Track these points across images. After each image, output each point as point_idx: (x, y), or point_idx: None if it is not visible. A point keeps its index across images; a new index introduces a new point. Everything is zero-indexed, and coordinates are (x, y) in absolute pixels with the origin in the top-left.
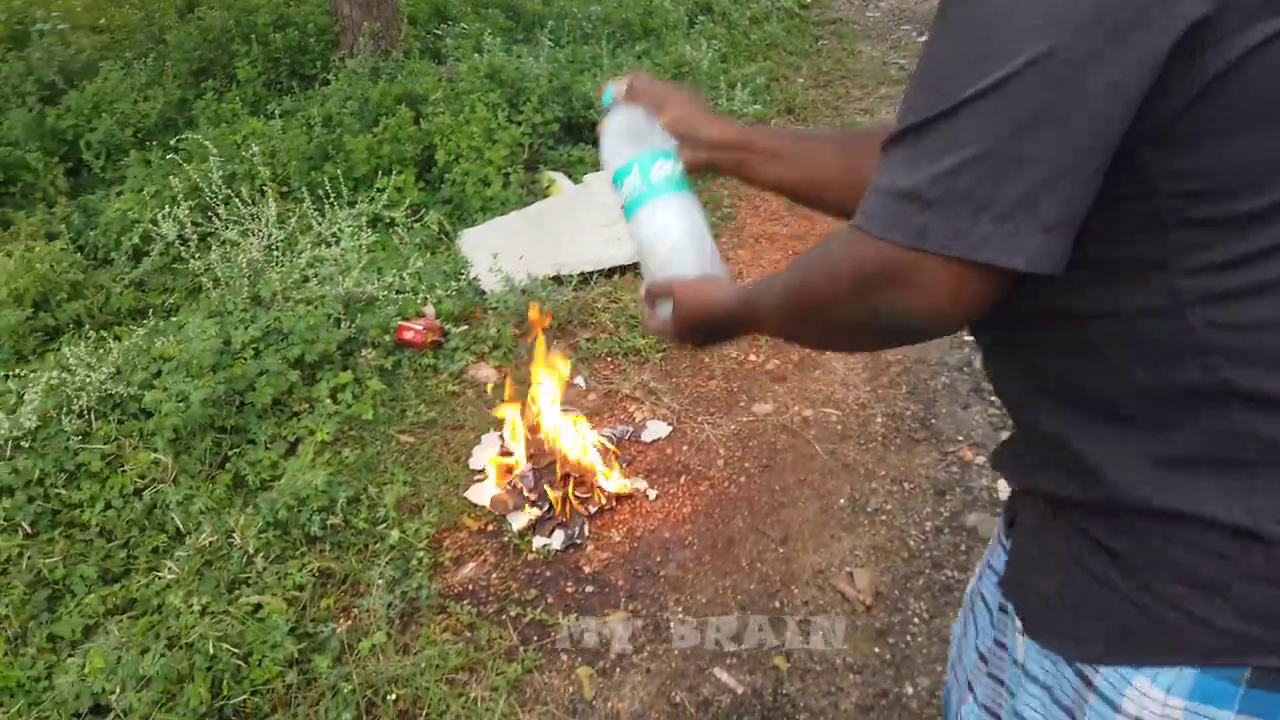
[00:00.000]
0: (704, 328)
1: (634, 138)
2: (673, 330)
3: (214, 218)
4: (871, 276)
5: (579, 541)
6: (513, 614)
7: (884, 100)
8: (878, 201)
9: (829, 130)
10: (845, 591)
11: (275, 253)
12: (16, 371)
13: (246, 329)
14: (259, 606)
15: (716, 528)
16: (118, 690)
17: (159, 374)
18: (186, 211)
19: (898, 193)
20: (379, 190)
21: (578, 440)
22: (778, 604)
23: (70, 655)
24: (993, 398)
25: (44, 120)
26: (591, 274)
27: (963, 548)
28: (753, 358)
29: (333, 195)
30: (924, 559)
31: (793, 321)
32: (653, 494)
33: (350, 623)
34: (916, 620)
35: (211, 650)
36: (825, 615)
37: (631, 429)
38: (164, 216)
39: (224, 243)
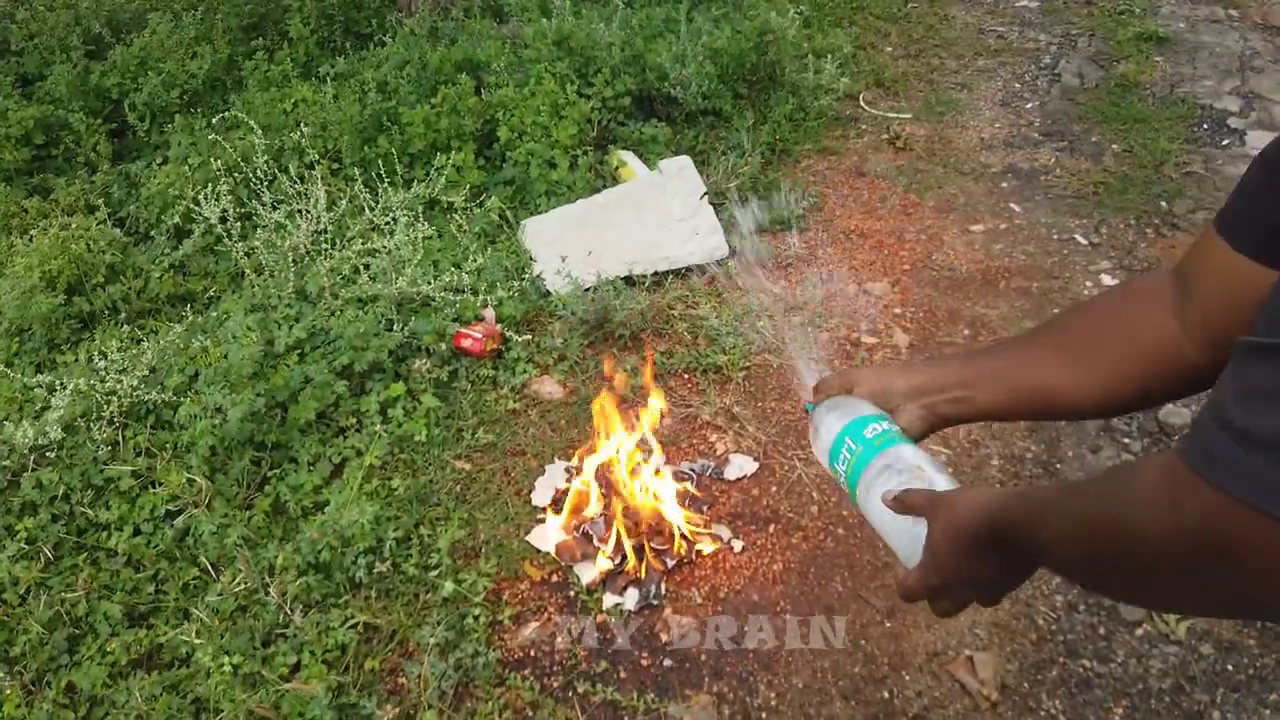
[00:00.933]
0: (974, 548)
1: (840, 420)
2: (933, 562)
3: (258, 197)
4: (1223, 547)
5: (655, 601)
6: (580, 691)
7: (981, 74)
8: (1231, 446)
9: (1042, 328)
10: (965, 682)
11: (323, 240)
12: (50, 359)
13: (290, 330)
14: (297, 666)
15: (812, 591)
16: None
17: (196, 376)
18: (229, 189)
19: (1269, 439)
20: (437, 170)
21: (657, 488)
22: (886, 694)
23: (86, 716)
24: (1125, 439)
25: (88, 77)
26: (666, 274)
27: (1101, 631)
28: None
29: (386, 175)
30: (1056, 644)
31: (1085, 564)
32: (738, 545)
33: (397, 697)
34: None
35: None
36: (944, 711)
37: (713, 464)
38: (206, 196)
39: (269, 226)
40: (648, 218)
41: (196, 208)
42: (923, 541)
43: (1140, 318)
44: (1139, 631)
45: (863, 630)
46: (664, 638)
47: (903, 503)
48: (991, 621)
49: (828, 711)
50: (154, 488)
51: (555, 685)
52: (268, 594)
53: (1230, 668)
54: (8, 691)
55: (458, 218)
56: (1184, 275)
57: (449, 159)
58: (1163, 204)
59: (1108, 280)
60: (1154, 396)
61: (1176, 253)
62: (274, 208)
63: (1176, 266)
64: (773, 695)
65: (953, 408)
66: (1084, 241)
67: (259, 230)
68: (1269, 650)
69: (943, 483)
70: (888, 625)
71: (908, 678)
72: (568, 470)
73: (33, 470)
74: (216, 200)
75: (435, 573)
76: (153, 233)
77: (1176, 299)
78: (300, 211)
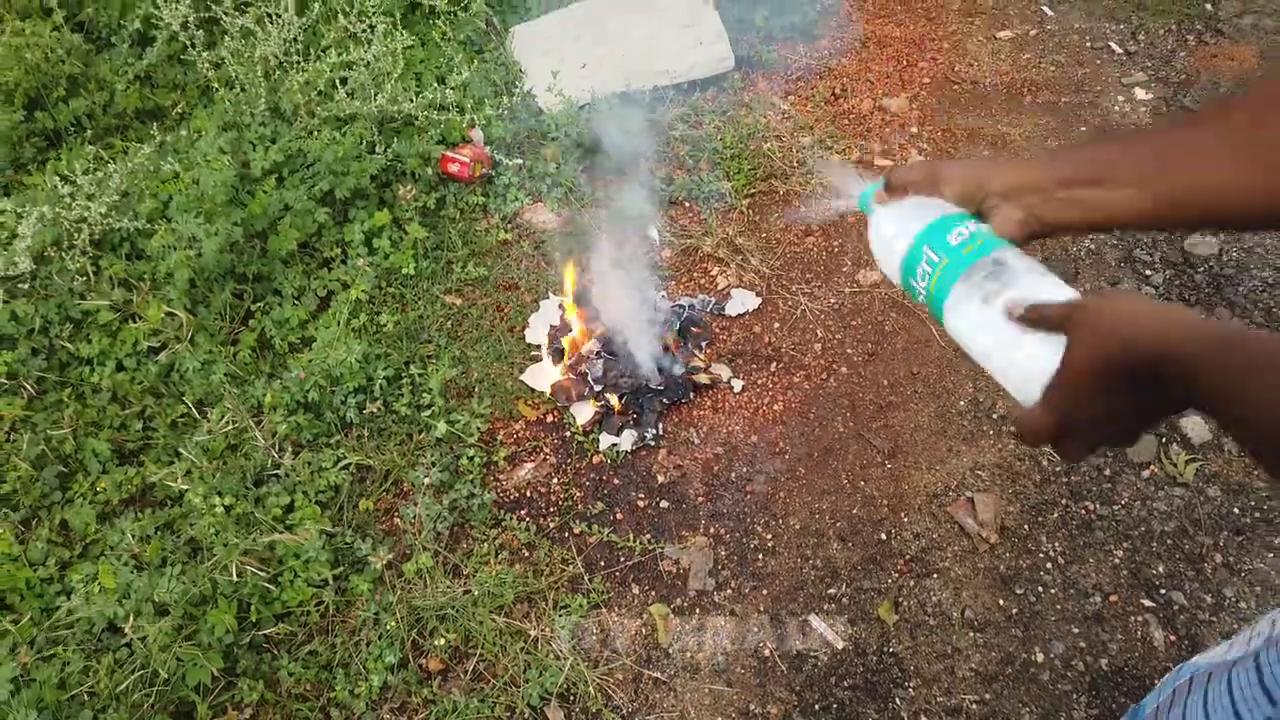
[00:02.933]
0: (1130, 377)
1: (914, 222)
2: (1069, 392)
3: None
4: None
5: (652, 443)
6: (576, 531)
7: None
8: None
9: (1196, 114)
10: (965, 524)
11: (295, 51)
12: (19, 180)
13: (266, 152)
14: (290, 507)
15: (813, 432)
16: (131, 617)
17: (170, 203)
18: None
19: None
20: None
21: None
22: (884, 535)
23: (81, 555)
24: (1147, 270)
25: None
26: (667, 89)
27: (1107, 473)
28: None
29: None
30: (1060, 485)
31: None
32: (738, 385)
33: (393, 538)
34: (1050, 566)
35: (236, 569)
36: (941, 553)
37: (714, 299)
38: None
39: (235, 34)
40: (647, 26)
41: (156, 12)
42: (1050, 370)
43: None
44: (1145, 474)
45: (862, 471)
46: (660, 478)
47: (1039, 315)
48: (994, 463)
49: (824, 553)
50: (134, 321)
51: (551, 526)
52: (257, 434)
53: (1236, 510)
54: (1, 530)
55: (440, 23)
56: None
57: None
58: (1207, 6)
59: (1141, 95)
60: None
61: (1219, 64)
62: (241, 10)
63: None
64: (769, 537)
65: (1065, 210)
66: (1118, 50)
67: (226, 38)
68: (1276, 492)
69: (1067, 296)
70: (888, 466)
71: (906, 519)
72: (561, 306)
73: (6, 302)
74: (177, 2)
75: (428, 413)
76: (114, 39)
77: None
78: (270, 15)
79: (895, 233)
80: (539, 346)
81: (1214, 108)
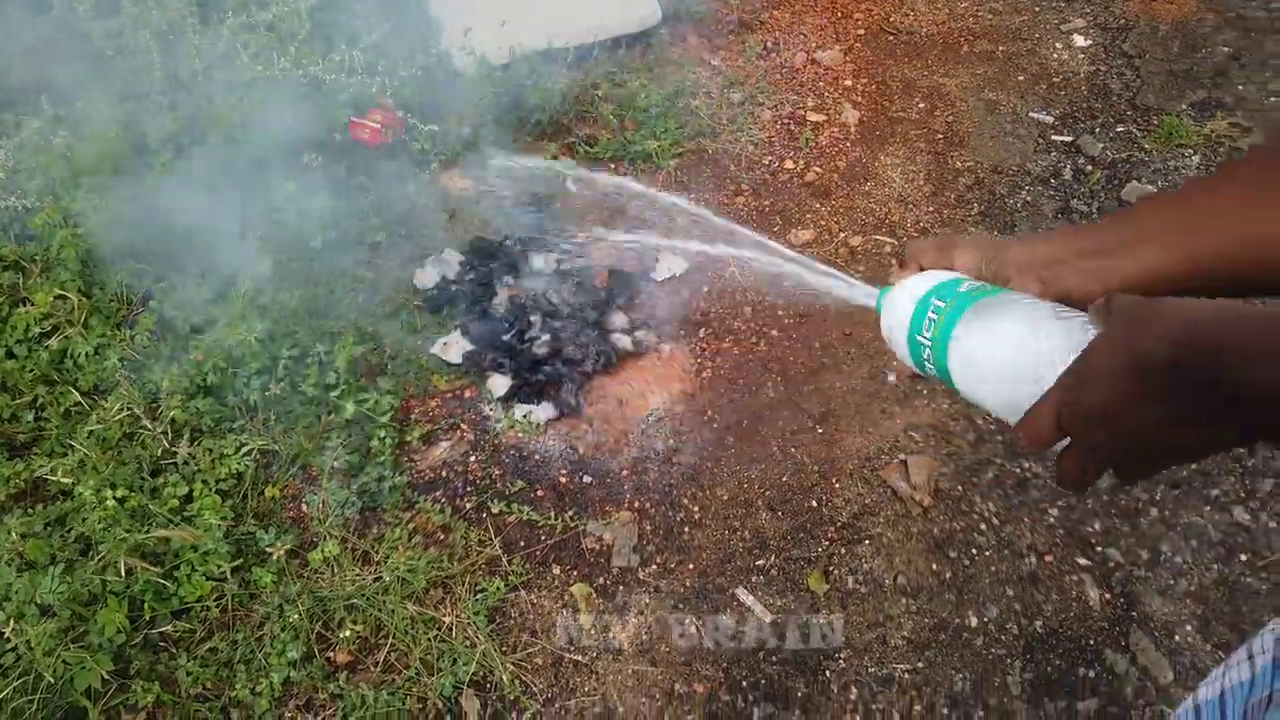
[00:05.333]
0: (1167, 372)
1: (925, 283)
2: (1087, 381)
3: None
4: None
5: (572, 409)
6: (495, 511)
7: None
8: None
9: (1242, 160)
10: (898, 488)
11: (191, 14)
12: None
13: (164, 120)
14: (189, 497)
15: (742, 398)
16: (12, 620)
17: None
18: None
19: None
20: None
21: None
22: (815, 502)
23: None
24: (1083, 222)
25: None
26: (592, 46)
27: None
28: (789, 164)
29: None
30: (995, 444)
31: None
32: (665, 349)
33: (299, 525)
34: (984, 527)
35: (125, 566)
36: (873, 518)
37: (639, 262)
38: None
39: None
40: None
41: None
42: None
43: None
44: None
45: (793, 438)
46: (582, 450)
47: (1094, 301)
48: (929, 424)
49: (753, 524)
50: (25, 306)
51: (468, 507)
52: (147, 422)
53: None
54: None
55: None
56: None
57: None
58: None
59: (1080, 41)
60: None
61: (1158, 8)
62: None
63: None
64: (696, 509)
65: (1087, 281)
66: None
67: (123, 5)
68: None
69: (1080, 324)
70: (819, 431)
71: (838, 485)
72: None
73: None
74: None
75: (336, 393)
76: (3, 9)
77: None
78: None
79: (906, 299)
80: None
81: (1236, 164)
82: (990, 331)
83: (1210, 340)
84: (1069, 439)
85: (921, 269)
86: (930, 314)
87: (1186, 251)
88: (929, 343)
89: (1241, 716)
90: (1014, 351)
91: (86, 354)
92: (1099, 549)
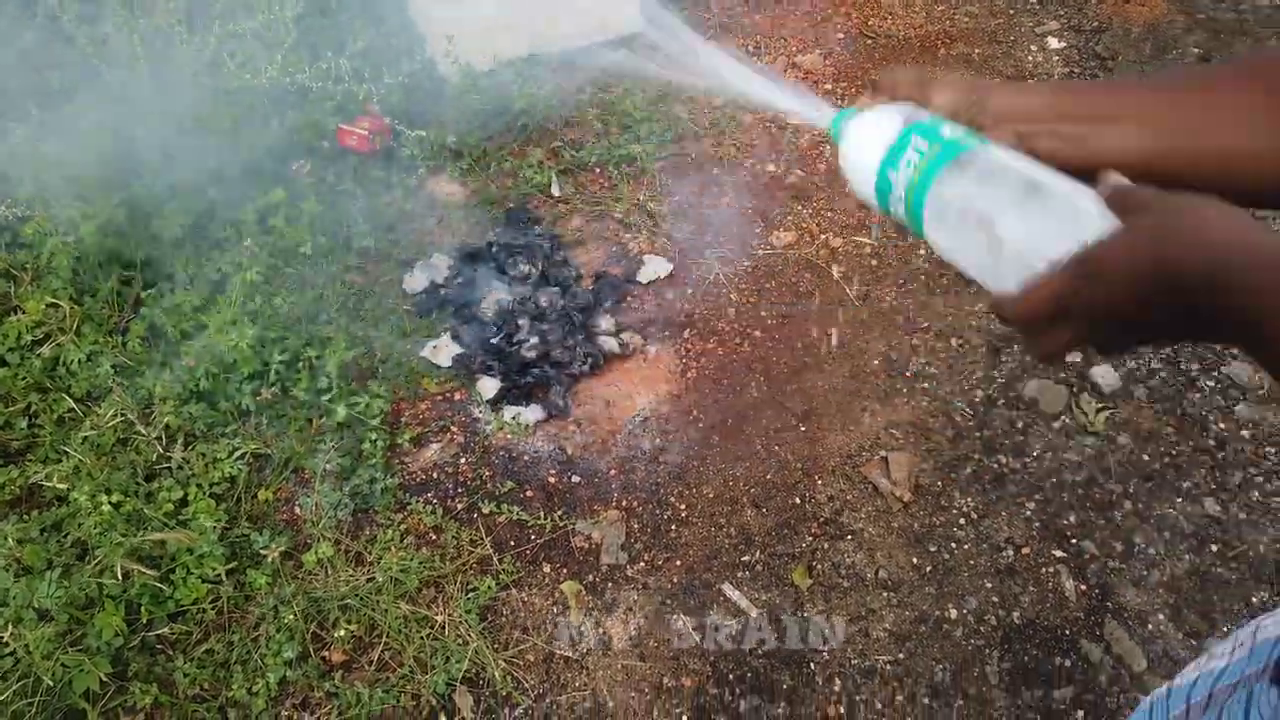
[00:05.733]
0: (1152, 289)
1: (900, 118)
2: (1097, 273)
3: None
4: None
5: (560, 411)
6: (485, 511)
7: None
8: None
9: (1246, 60)
10: (879, 484)
11: (177, 23)
12: None
13: (151, 128)
14: (184, 501)
15: (726, 398)
16: (10, 625)
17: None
18: None
19: None
20: None
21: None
22: (798, 499)
23: None
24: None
25: None
26: (576, 52)
27: (1019, 425)
28: (770, 168)
29: None
30: (973, 440)
31: None
32: (650, 351)
33: (293, 528)
34: (963, 522)
35: (121, 569)
36: (855, 514)
37: (624, 265)
38: None
39: (118, 3)
40: None
41: None
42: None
43: None
44: (1057, 424)
45: (776, 436)
46: (570, 450)
47: (1117, 190)
48: (908, 421)
49: (738, 520)
50: (17, 314)
51: (459, 508)
52: (141, 428)
53: (1146, 457)
54: None
55: None
56: None
57: None
58: None
59: (1054, 44)
60: None
61: (1130, 10)
62: None
63: None
64: (683, 507)
65: (1061, 144)
66: None
67: (109, 12)
68: (1185, 437)
69: (1090, 205)
70: (802, 429)
71: (820, 482)
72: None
73: None
74: None
75: (327, 397)
76: None
77: None
78: None
79: (877, 130)
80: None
81: (1229, 70)
82: (980, 191)
83: (1236, 267)
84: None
85: (894, 100)
86: (911, 152)
87: (1176, 144)
88: (904, 185)
89: (1206, 697)
90: (1010, 220)
91: (79, 361)
92: (1074, 541)
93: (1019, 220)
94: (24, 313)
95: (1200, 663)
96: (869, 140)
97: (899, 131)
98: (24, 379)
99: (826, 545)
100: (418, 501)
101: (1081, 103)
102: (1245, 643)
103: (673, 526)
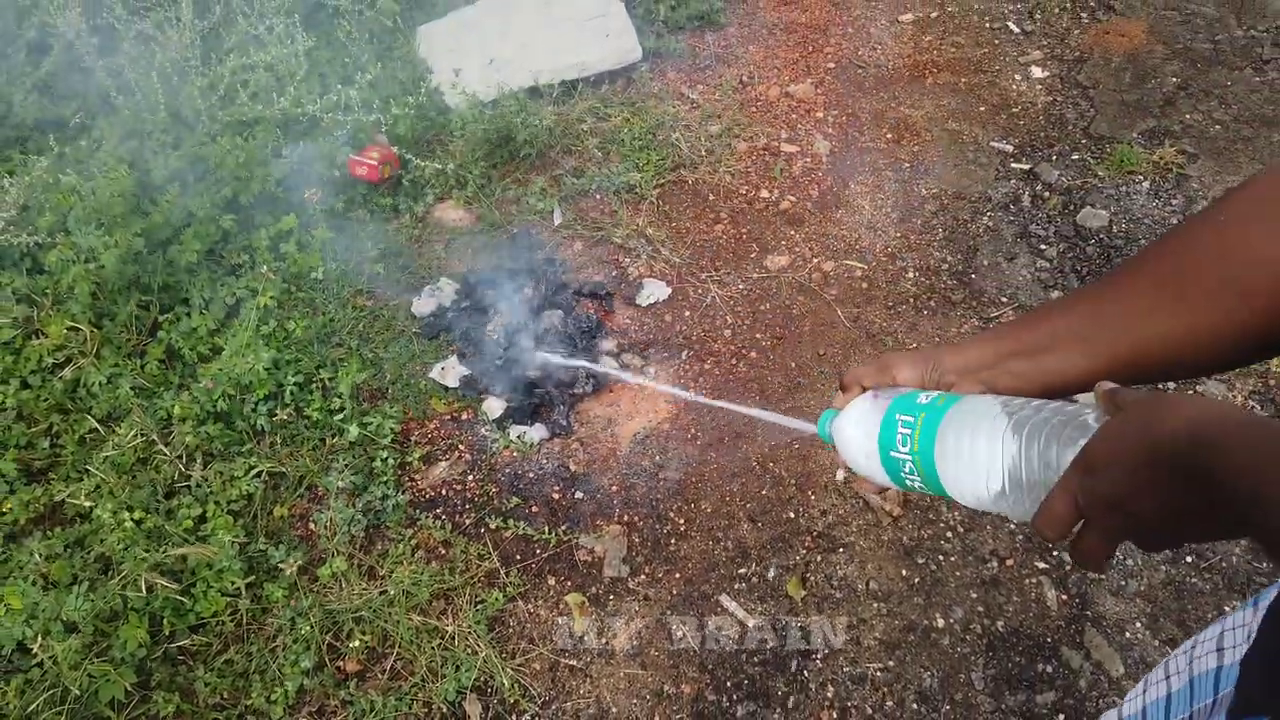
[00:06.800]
0: (1167, 465)
1: (878, 408)
2: (1097, 470)
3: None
4: None
5: (564, 433)
6: (492, 527)
7: None
8: None
9: (1129, 264)
10: (869, 499)
11: (194, 55)
12: None
13: (168, 159)
14: (203, 518)
15: (723, 417)
16: (39, 637)
17: (69, 215)
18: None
19: None
20: None
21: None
22: (792, 514)
23: None
24: (1042, 246)
25: None
26: (576, 82)
27: None
28: (764, 194)
29: None
30: None
31: None
32: (650, 371)
33: (307, 543)
34: (950, 535)
35: (145, 583)
36: (847, 528)
37: (624, 289)
38: (56, 6)
39: (133, 39)
40: (554, 17)
41: (51, 22)
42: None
43: (1262, 234)
44: None
45: (771, 453)
46: (573, 467)
47: (1111, 392)
48: None
49: (735, 534)
50: (38, 338)
51: (467, 523)
52: (163, 447)
53: None
54: None
55: (345, 23)
56: None
57: None
58: None
59: (1038, 73)
60: None
61: (1110, 40)
62: (140, 16)
63: None
64: (682, 521)
65: (1017, 381)
66: (1016, 29)
67: (125, 45)
68: None
69: (1083, 413)
70: (796, 447)
71: (814, 498)
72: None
73: None
74: (64, 8)
75: (339, 417)
76: (9, 49)
77: None
78: (170, 20)
79: (863, 425)
80: (434, 322)
81: (1135, 259)
82: (976, 435)
83: (1214, 436)
84: (1083, 521)
85: (864, 391)
86: (901, 429)
87: (1103, 351)
88: (910, 458)
89: None
90: (1014, 451)
91: (99, 383)
92: (1056, 553)
93: (1022, 449)
94: (46, 336)
95: (1138, 690)
96: (860, 434)
97: (882, 415)
98: (46, 400)
99: (820, 558)
100: (427, 517)
101: (1022, 340)
102: (1181, 672)
103: (672, 540)
